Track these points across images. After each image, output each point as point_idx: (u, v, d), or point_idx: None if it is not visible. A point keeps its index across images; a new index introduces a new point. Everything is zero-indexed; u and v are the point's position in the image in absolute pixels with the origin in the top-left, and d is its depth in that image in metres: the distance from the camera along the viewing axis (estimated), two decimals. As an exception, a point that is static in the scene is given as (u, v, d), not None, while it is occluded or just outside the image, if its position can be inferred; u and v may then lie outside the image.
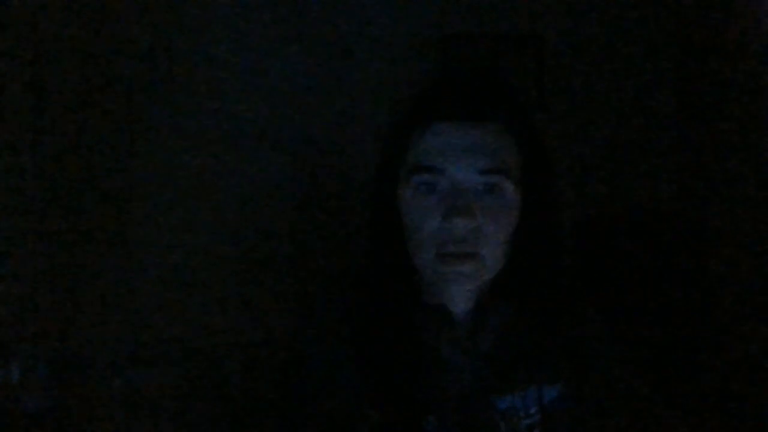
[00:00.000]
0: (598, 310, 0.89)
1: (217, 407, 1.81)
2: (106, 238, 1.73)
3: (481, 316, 0.82)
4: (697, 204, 2.02)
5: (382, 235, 0.83)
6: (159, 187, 1.81)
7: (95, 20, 1.71)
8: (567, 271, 0.86)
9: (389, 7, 2.03)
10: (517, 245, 0.80)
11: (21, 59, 1.55)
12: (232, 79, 1.88)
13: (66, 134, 1.64)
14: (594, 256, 1.98)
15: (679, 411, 0.89)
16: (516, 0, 2.11)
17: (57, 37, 1.63)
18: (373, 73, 2.00)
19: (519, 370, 0.81)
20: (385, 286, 0.83)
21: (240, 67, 1.89)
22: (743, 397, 1.70)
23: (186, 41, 1.84)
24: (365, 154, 1.92)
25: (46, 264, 1.59)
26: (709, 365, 1.87)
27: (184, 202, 1.83)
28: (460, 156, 0.76)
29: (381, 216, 0.83)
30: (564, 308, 0.85)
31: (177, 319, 1.80)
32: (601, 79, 2.12)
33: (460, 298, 0.81)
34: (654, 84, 2.13)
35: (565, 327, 0.84)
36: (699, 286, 1.94)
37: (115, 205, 1.74)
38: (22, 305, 1.54)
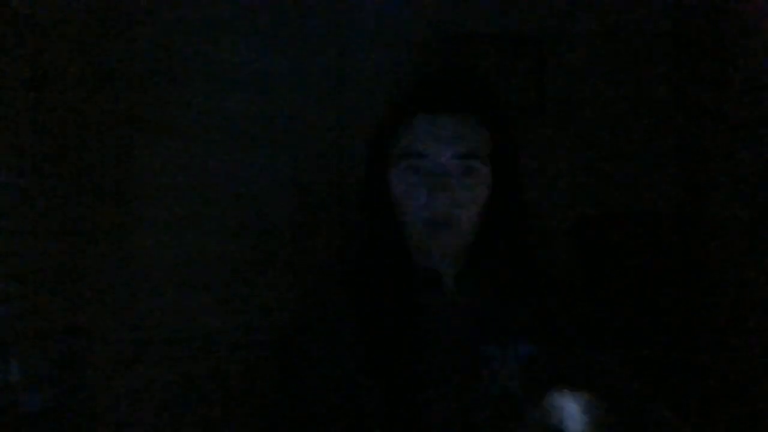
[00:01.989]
0: (570, 287, 1.02)
1: (217, 407, 1.81)
2: (106, 238, 1.73)
3: (463, 278, 0.96)
4: (697, 204, 2.02)
5: (375, 211, 0.97)
6: (159, 186, 1.81)
7: (95, 20, 1.71)
8: (535, 241, 0.99)
9: (389, 7, 2.03)
10: (489, 215, 0.94)
11: (21, 59, 1.55)
12: (232, 79, 1.88)
13: (66, 134, 1.64)
14: (593, 257, 1.98)
15: (679, 411, 0.91)
16: (516, 0, 2.11)
17: (57, 36, 1.63)
18: (372, 72, 2.00)
19: (498, 324, 0.93)
20: (380, 254, 0.96)
21: (240, 67, 1.89)
22: (743, 397, 1.70)
23: (186, 41, 1.84)
24: (365, 153, 1.92)
25: (46, 264, 1.59)
26: (709, 365, 1.87)
27: (184, 201, 1.83)
28: (441, 143, 0.91)
29: (374, 193, 0.97)
30: (530, 278, 0.98)
31: (177, 319, 1.80)
32: (601, 80, 2.12)
33: (444, 260, 0.94)
34: (654, 84, 2.13)
35: (531, 296, 0.97)
36: (699, 286, 1.94)
37: (115, 204, 1.74)
38: (22, 305, 1.54)
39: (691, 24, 2.07)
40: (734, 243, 1.81)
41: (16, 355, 1.50)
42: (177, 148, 1.82)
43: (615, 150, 2.13)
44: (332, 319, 0.94)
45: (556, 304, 0.98)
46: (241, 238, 1.89)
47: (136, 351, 1.75)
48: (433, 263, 0.94)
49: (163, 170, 1.81)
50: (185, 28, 1.84)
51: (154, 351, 1.77)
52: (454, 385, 0.90)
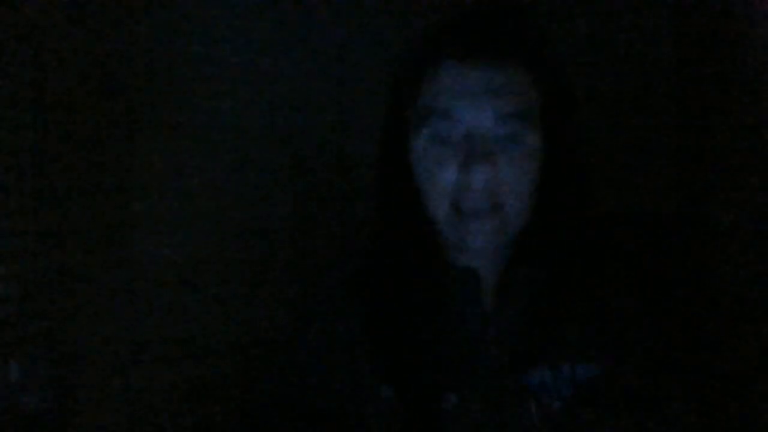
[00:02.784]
0: (634, 280, 0.81)
1: (217, 407, 1.81)
2: (106, 238, 1.72)
3: (507, 281, 0.73)
4: (697, 204, 2.01)
5: (394, 192, 0.75)
6: (159, 187, 1.80)
7: (95, 20, 1.71)
8: (598, 227, 0.79)
9: (389, 7, 2.02)
10: (541, 199, 0.72)
11: (21, 59, 1.55)
12: (232, 79, 1.88)
13: (66, 134, 1.64)
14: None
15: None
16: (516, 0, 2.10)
17: (57, 36, 1.62)
18: (372, 72, 2.00)
19: (551, 343, 0.72)
20: (401, 248, 0.74)
21: (240, 67, 1.88)
22: (744, 397, 1.70)
23: (186, 41, 1.84)
24: (365, 153, 1.91)
25: (46, 264, 1.59)
26: (709, 366, 1.87)
27: (184, 202, 1.83)
28: (477, 100, 0.67)
29: (391, 170, 0.75)
30: (597, 275, 0.76)
31: (177, 319, 1.80)
32: (601, 80, 2.12)
33: (482, 258, 0.73)
34: (654, 84, 2.13)
35: (599, 297, 0.76)
36: (699, 286, 1.94)
37: (115, 205, 1.74)
38: (22, 305, 1.54)
39: (691, 24, 2.07)
40: (734, 243, 1.80)
41: (16, 355, 1.49)
42: (177, 148, 1.82)
43: (615, 149, 2.13)
44: (337, 326, 0.75)
45: (626, 308, 0.78)
46: (241, 238, 1.89)
47: (136, 351, 1.75)
48: (467, 259, 0.73)
49: (163, 170, 1.81)
50: (185, 28, 1.84)
51: (153, 351, 1.77)
52: (491, 419, 0.69)
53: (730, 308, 1.82)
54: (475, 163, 0.67)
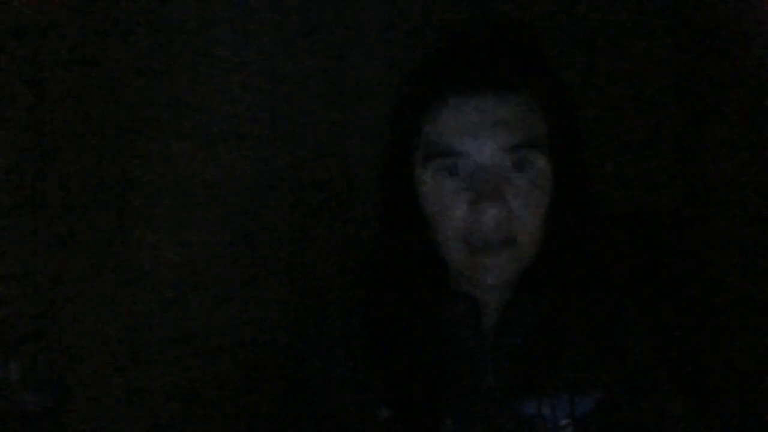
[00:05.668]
0: (639, 309, 0.80)
1: (217, 407, 1.81)
2: (105, 238, 1.72)
3: (511, 309, 0.72)
4: (697, 205, 2.01)
5: (398, 219, 0.73)
6: (159, 187, 1.80)
7: (95, 20, 1.71)
8: (603, 254, 0.77)
9: (389, 7, 2.03)
10: (551, 226, 0.70)
11: (21, 59, 1.55)
12: (233, 79, 1.88)
13: (66, 134, 1.64)
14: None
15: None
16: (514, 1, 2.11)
17: (57, 36, 1.63)
18: (373, 73, 2.00)
19: (550, 373, 0.71)
20: (404, 271, 0.73)
21: (240, 67, 1.88)
22: (743, 396, 1.70)
23: (186, 41, 1.84)
24: (365, 153, 1.91)
25: (46, 264, 1.59)
26: (709, 365, 1.87)
27: (184, 202, 1.83)
28: (482, 135, 0.66)
29: (396, 198, 0.73)
30: (603, 304, 0.75)
31: (177, 319, 1.80)
32: (601, 79, 2.12)
33: (494, 289, 0.71)
34: (654, 84, 2.13)
35: (604, 327, 0.74)
36: (699, 286, 1.94)
37: (115, 205, 1.74)
38: (22, 305, 1.54)
39: (691, 24, 2.07)
40: (734, 243, 1.80)
41: (16, 355, 1.49)
42: (177, 148, 1.82)
43: (615, 150, 2.13)
44: (339, 344, 0.74)
45: (630, 340, 0.76)
46: (241, 238, 1.89)
47: (136, 351, 1.75)
48: (476, 289, 0.71)
49: (163, 170, 1.81)
50: (185, 28, 1.84)
51: (153, 351, 1.77)
52: None
53: (730, 308, 1.82)
54: (485, 201, 0.65)
